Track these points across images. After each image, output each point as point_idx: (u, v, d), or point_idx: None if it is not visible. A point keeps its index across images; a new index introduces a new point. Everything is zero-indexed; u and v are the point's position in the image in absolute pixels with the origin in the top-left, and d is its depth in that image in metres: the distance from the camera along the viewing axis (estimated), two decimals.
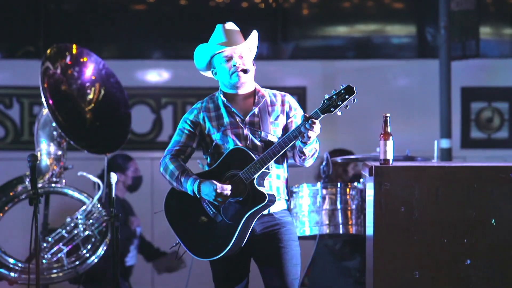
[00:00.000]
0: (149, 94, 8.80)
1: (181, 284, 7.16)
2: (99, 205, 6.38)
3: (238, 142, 4.58)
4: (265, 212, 4.58)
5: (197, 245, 4.58)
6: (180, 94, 8.77)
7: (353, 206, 6.02)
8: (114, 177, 4.93)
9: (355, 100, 4.42)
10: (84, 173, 6.44)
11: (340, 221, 5.98)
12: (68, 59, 6.56)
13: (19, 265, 6.42)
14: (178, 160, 4.65)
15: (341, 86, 4.43)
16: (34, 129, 6.55)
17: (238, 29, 4.68)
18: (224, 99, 4.66)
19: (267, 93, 4.71)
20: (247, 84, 4.66)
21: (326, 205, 6.01)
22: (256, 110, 4.64)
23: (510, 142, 8.88)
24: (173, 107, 8.76)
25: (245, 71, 4.61)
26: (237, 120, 4.63)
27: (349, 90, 4.42)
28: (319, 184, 6.02)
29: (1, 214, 6.46)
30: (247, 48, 4.65)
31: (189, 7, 9.35)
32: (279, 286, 4.56)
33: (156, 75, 8.95)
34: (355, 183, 6.13)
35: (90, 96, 6.66)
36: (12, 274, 6.41)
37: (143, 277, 8.34)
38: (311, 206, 6.01)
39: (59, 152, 6.48)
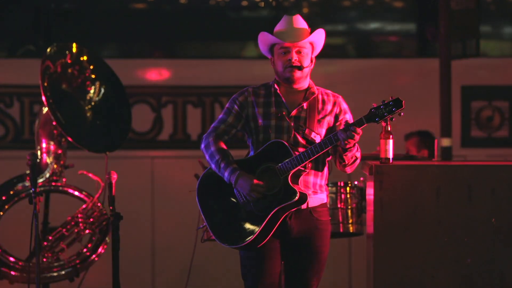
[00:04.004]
0: (149, 93, 8.79)
1: (181, 284, 7.16)
2: (99, 204, 6.38)
3: (280, 135, 4.52)
4: (304, 206, 4.49)
5: (222, 230, 4.52)
6: (180, 93, 8.75)
7: (353, 205, 6.02)
8: (114, 175, 4.93)
9: (401, 113, 4.36)
10: (85, 172, 6.44)
11: (340, 219, 5.97)
12: (68, 58, 6.56)
13: (20, 263, 6.42)
14: (221, 142, 4.56)
15: (390, 98, 4.37)
16: (35, 128, 6.55)
17: (305, 24, 4.59)
18: (277, 87, 4.59)
19: (319, 91, 4.62)
20: (302, 81, 4.58)
21: None
22: (304, 105, 4.56)
23: (511, 141, 8.88)
24: (173, 106, 8.76)
25: (299, 68, 4.53)
26: (284, 112, 4.55)
27: (397, 103, 4.35)
28: None
29: (1, 213, 6.45)
30: (308, 44, 4.57)
31: (189, 6, 9.35)
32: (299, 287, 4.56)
33: (156, 74, 8.94)
34: (356, 182, 6.13)
35: (90, 95, 6.66)
36: (12, 272, 6.41)
37: (143, 276, 8.34)
38: None
39: (59, 151, 6.48)
